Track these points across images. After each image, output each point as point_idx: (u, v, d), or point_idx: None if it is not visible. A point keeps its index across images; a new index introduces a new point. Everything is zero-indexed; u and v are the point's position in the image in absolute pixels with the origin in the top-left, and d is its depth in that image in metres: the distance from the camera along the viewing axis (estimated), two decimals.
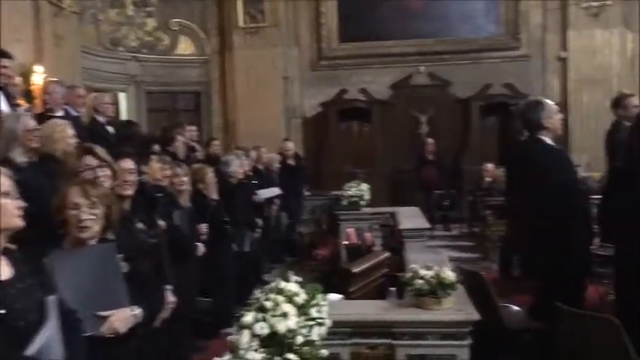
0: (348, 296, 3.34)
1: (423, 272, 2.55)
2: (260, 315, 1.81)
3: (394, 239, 5.40)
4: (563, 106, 10.27)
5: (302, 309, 1.95)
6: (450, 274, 2.52)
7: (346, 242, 5.72)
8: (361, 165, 10.63)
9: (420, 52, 11.06)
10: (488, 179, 8.89)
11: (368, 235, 5.80)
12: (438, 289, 2.48)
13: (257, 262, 6.41)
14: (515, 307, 3.74)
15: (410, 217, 5.59)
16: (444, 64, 11.01)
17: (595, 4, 10.13)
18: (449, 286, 2.50)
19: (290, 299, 1.95)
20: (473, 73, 10.84)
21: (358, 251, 5.14)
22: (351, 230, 5.74)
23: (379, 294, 3.47)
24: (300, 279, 2.13)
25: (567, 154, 4.18)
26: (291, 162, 8.94)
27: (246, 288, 4.60)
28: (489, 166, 8.93)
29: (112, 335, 2.15)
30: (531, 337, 3.22)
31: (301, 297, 1.99)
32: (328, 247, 7.57)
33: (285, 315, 1.83)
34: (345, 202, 6.56)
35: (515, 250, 6.41)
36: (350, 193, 6.58)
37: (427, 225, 5.20)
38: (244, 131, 10.87)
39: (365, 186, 6.75)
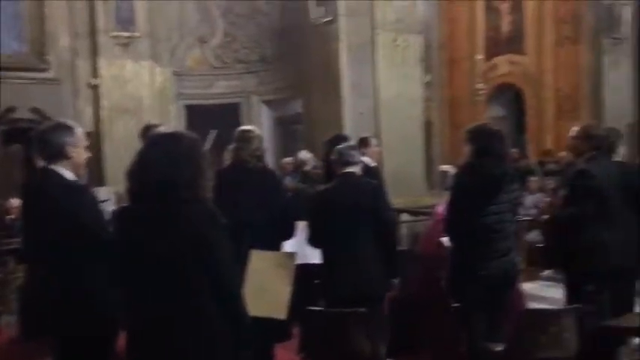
0: None
1: None
2: None
3: None
4: (97, 136, 9.91)
5: None
6: None
7: None
8: None
9: None
10: (11, 216, 7.74)
11: None
12: None
13: None
14: None
15: None
16: None
17: (125, 34, 10.11)
18: None
19: None
20: None
21: None
22: None
23: None
24: None
25: (90, 192, 3.57)
26: None
27: None
28: (15, 201, 7.77)
29: None
30: None
31: None
32: None
33: None
34: None
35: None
36: None
37: None
38: None
39: None
